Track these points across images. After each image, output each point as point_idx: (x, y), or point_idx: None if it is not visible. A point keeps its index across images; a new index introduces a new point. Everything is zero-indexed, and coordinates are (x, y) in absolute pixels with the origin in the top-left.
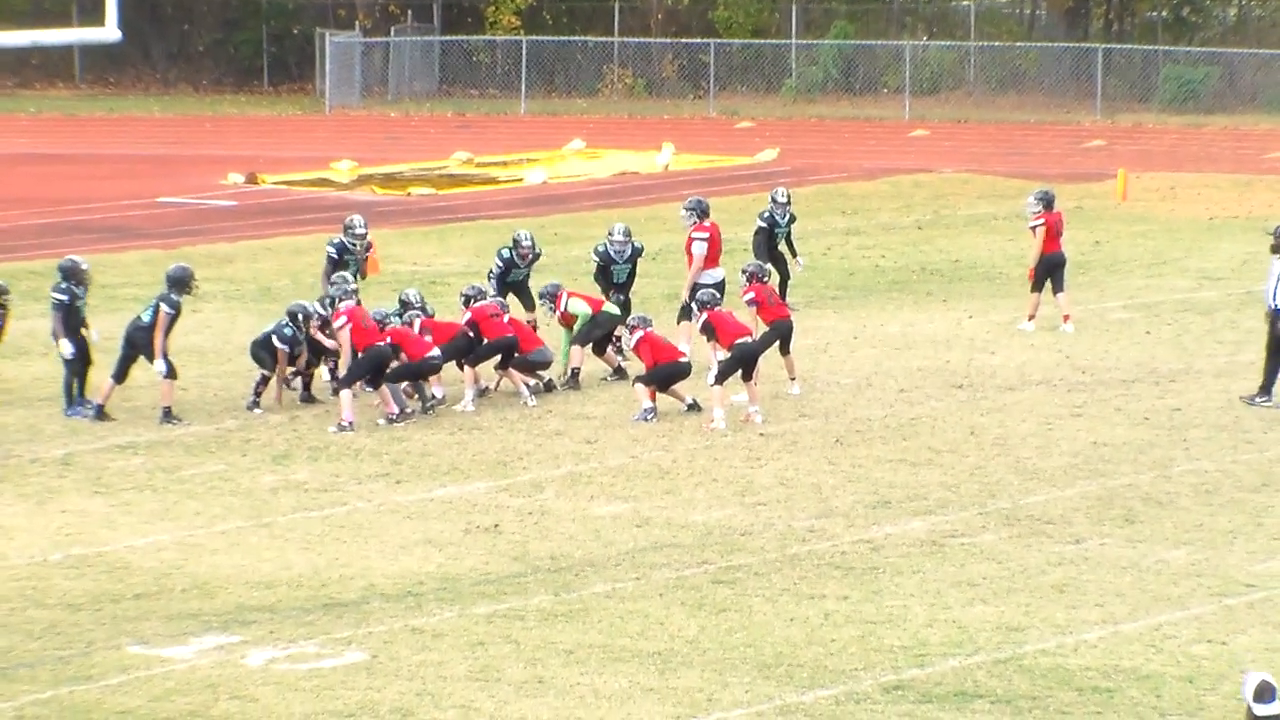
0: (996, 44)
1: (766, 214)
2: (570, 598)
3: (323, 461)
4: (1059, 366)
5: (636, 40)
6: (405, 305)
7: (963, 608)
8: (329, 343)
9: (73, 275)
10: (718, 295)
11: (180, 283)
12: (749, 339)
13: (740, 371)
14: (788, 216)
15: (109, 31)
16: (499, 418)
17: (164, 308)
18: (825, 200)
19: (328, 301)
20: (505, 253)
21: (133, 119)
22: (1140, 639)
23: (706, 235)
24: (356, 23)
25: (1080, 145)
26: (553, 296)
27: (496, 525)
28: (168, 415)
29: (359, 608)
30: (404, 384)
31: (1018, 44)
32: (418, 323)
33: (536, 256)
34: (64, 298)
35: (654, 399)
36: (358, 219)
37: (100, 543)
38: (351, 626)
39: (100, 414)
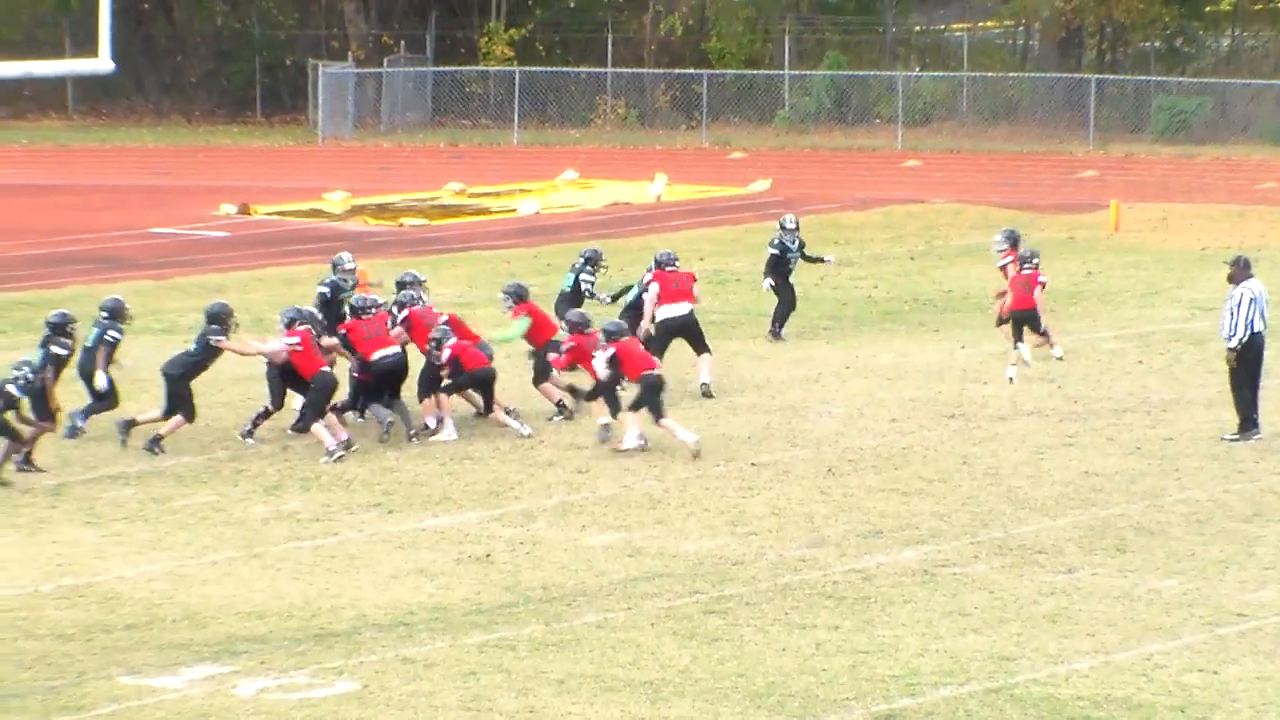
0: (989, 74)
1: (776, 241)
2: (562, 627)
3: (314, 491)
4: (1051, 396)
5: (629, 71)
6: (401, 286)
7: (954, 637)
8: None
9: (119, 314)
10: (624, 326)
11: (218, 317)
12: (655, 371)
13: (649, 410)
14: (797, 242)
15: (102, 63)
16: (491, 448)
17: (211, 339)
18: (818, 231)
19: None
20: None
21: (125, 150)
22: (1132, 668)
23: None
24: (349, 54)
25: (1073, 175)
26: (519, 297)
27: (488, 555)
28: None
29: (350, 638)
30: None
31: (1010, 74)
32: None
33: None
34: (119, 336)
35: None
36: (346, 255)
37: (91, 573)
38: (343, 656)
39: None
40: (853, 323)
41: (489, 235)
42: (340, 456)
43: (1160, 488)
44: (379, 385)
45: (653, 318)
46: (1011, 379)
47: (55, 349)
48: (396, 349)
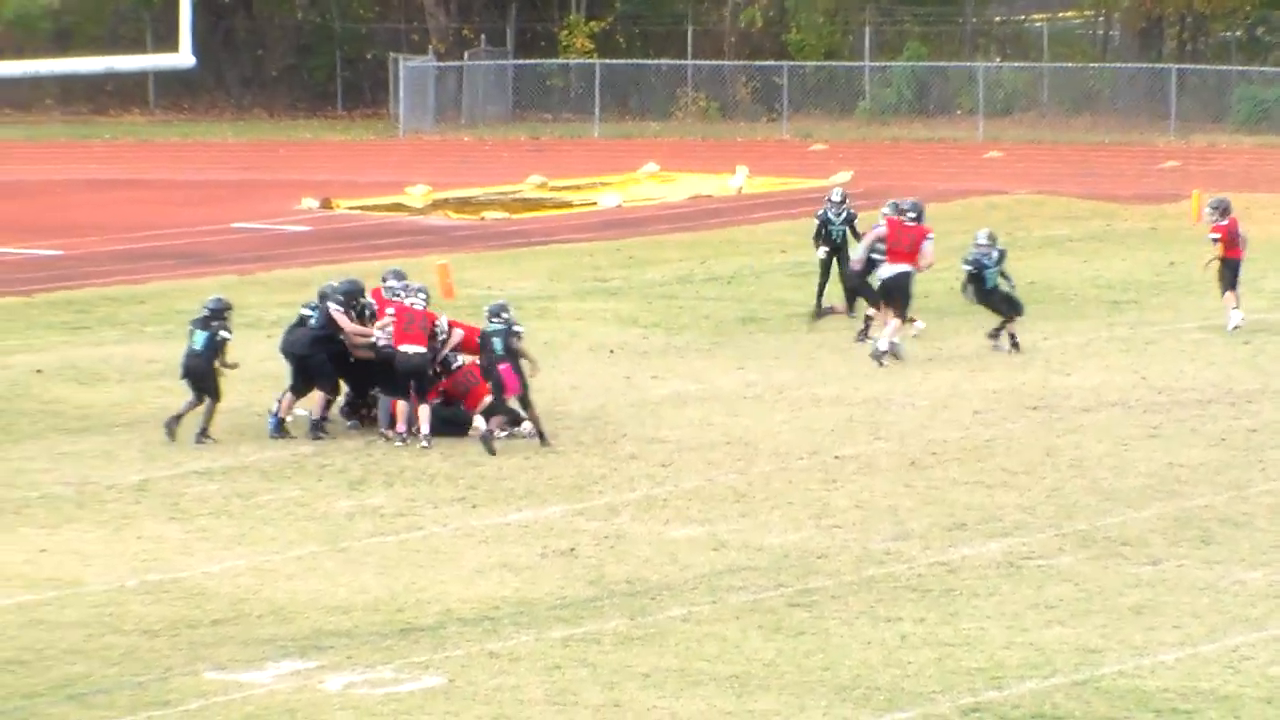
0: (1070, 65)
1: (821, 213)
2: (647, 621)
3: (398, 486)
4: (1135, 388)
5: (710, 63)
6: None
7: (1040, 630)
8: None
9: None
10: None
11: (351, 294)
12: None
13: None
14: (843, 215)
15: (183, 58)
16: (574, 442)
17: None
18: None
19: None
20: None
21: (207, 144)
22: (1218, 660)
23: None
24: (430, 47)
25: (1154, 166)
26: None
27: (572, 549)
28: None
29: (435, 632)
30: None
31: (1091, 65)
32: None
33: None
34: (230, 336)
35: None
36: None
37: (177, 568)
38: (428, 651)
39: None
40: (935, 314)
41: (571, 228)
42: (404, 441)
43: (1245, 479)
44: (394, 378)
45: (865, 259)
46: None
47: (223, 333)
48: (423, 350)
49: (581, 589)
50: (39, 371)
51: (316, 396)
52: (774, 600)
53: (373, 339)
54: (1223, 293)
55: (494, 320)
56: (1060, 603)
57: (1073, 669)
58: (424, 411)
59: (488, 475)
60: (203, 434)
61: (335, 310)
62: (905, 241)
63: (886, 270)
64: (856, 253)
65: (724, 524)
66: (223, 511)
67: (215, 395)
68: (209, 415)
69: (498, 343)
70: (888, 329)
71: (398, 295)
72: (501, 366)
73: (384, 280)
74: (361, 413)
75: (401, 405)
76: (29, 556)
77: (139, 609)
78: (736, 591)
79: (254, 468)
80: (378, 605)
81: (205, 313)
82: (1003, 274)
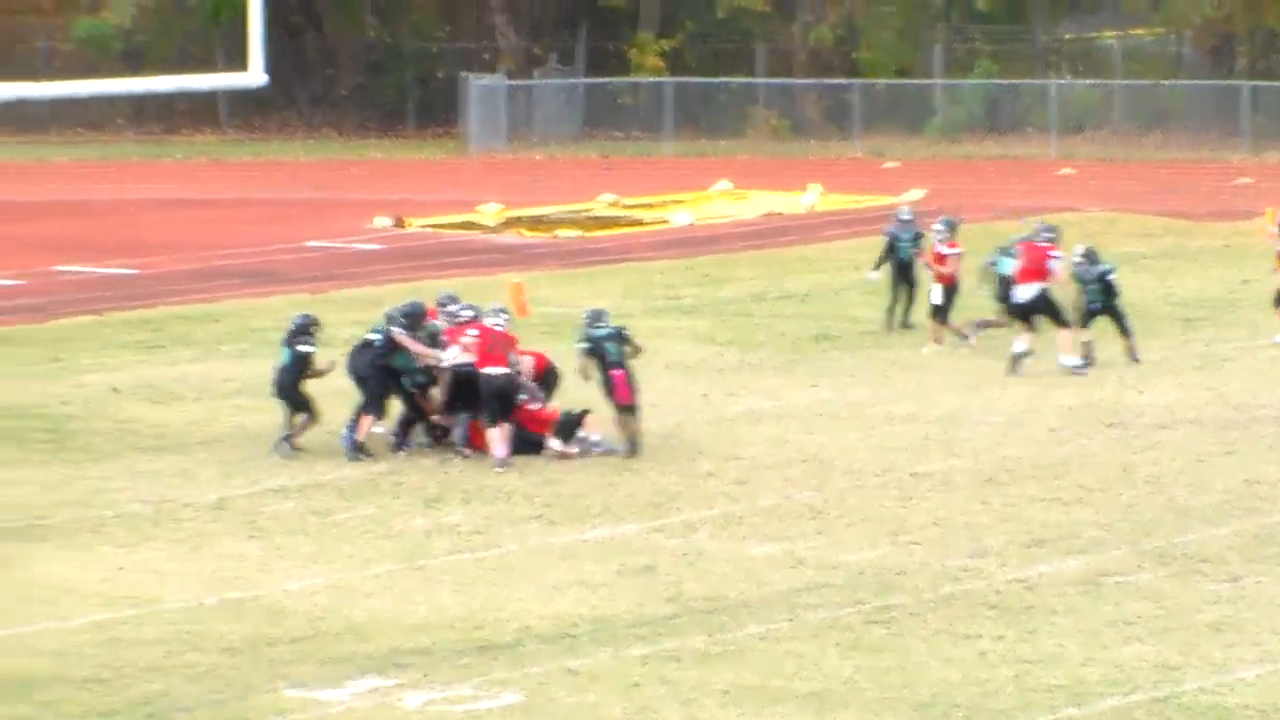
0: (1142, 82)
1: (889, 230)
2: (725, 638)
3: (475, 504)
4: (1210, 404)
5: (781, 81)
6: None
7: (1119, 647)
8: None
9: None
10: None
11: (410, 316)
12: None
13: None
14: (911, 234)
15: (254, 77)
16: (651, 459)
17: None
18: (972, 240)
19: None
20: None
21: (278, 163)
22: None
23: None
24: (501, 66)
25: (1227, 183)
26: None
27: (650, 566)
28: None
29: (514, 650)
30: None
31: (1163, 82)
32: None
33: None
34: (311, 350)
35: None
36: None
37: (255, 586)
38: (507, 668)
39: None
40: (1009, 331)
41: (643, 246)
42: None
43: None
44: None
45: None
46: None
47: (302, 348)
48: (507, 371)
49: (660, 606)
50: (115, 390)
51: (394, 415)
52: (852, 617)
53: (441, 359)
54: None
55: (600, 325)
56: (1139, 620)
57: (1152, 686)
58: (506, 431)
59: (564, 493)
60: (286, 440)
61: (398, 333)
62: (1038, 260)
63: (1024, 292)
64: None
65: (801, 541)
66: (300, 529)
67: (308, 411)
68: (302, 428)
69: (612, 347)
70: (1062, 343)
71: (458, 318)
72: (615, 373)
73: (441, 305)
74: (436, 433)
75: (493, 432)
76: (107, 575)
77: (218, 627)
78: (814, 609)
79: (331, 486)
80: (455, 623)
81: (292, 328)
82: (1106, 287)
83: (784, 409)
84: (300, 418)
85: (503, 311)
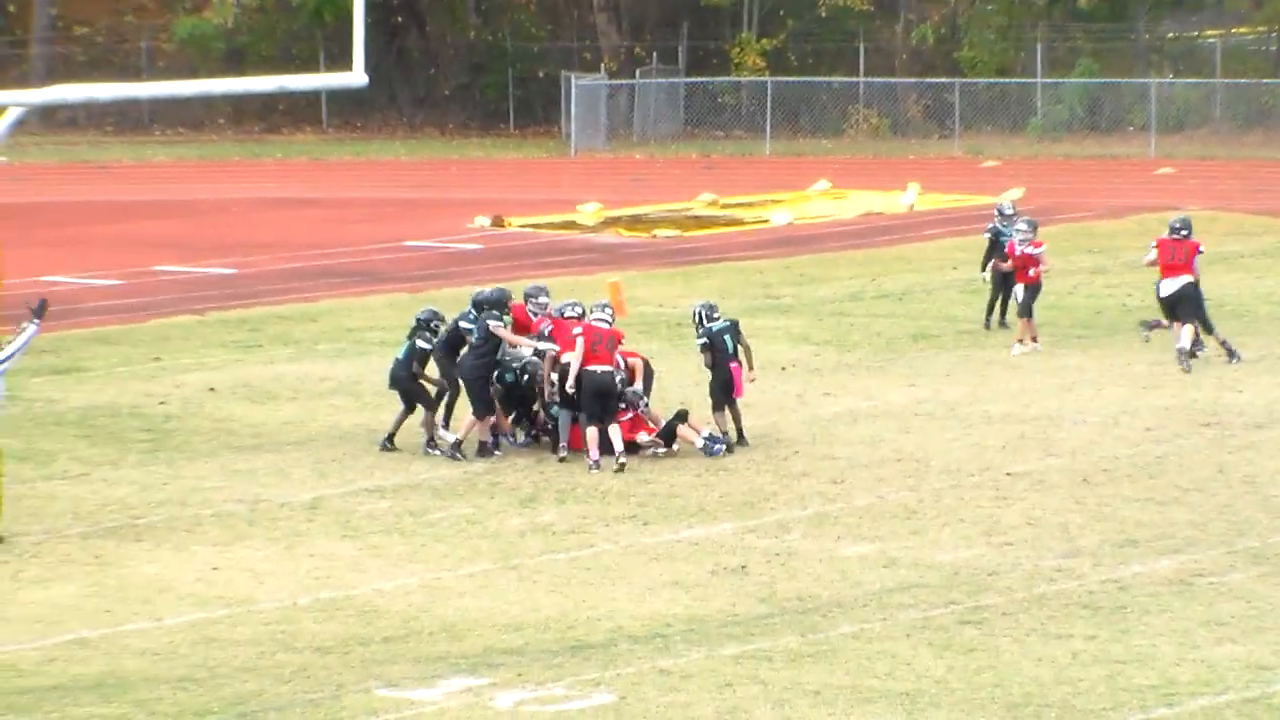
0: (1243, 81)
1: (991, 226)
2: (818, 638)
3: (570, 504)
4: None
5: (881, 80)
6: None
7: (1211, 647)
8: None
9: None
10: None
11: (498, 304)
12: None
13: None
14: (1014, 227)
15: (356, 76)
16: (746, 459)
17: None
18: (1071, 239)
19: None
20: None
21: (379, 163)
22: None
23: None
24: (602, 65)
25: None
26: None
27: (744, 566)
28: (491, 444)
29: (606, 649)
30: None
31: (1264, 80)
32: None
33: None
34: (428, 346)
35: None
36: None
37: (349, 586)
38: (599, 668)
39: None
40: (1106, 331)
41: (742, 246)
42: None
43: None
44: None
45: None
46: None
47: (420, 343)
48: (611, 368)
49: (753, 606)
50: (212, 390)
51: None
52: (945, 618)
53: (534, 350)
54: None
55: (716, 318)
56: (1232, 620)
57: (1244, 686)
58: (614, 431)
59: (659, 492)
60: (430, 444)
61: (495, 325)
62: (1180, 255)
63: (1169, 285)
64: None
65: (895, 541)
66: (394, 529)
67: (426, 403)
68: (429, 425)
69: (730, 340)
70: (1184, 333)
71: (539, 313)
72: (734, 365)
73: (530, 297)
74: (533, 432)
75: (592, 431)
76: (201, 574)
77: (311, 626)
78: (907, 609)
79: (425, 485)
80: (549, 623)
81: (414, 322)
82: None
83: (880, 408)
84: (424, 414)
85: (606, 307)
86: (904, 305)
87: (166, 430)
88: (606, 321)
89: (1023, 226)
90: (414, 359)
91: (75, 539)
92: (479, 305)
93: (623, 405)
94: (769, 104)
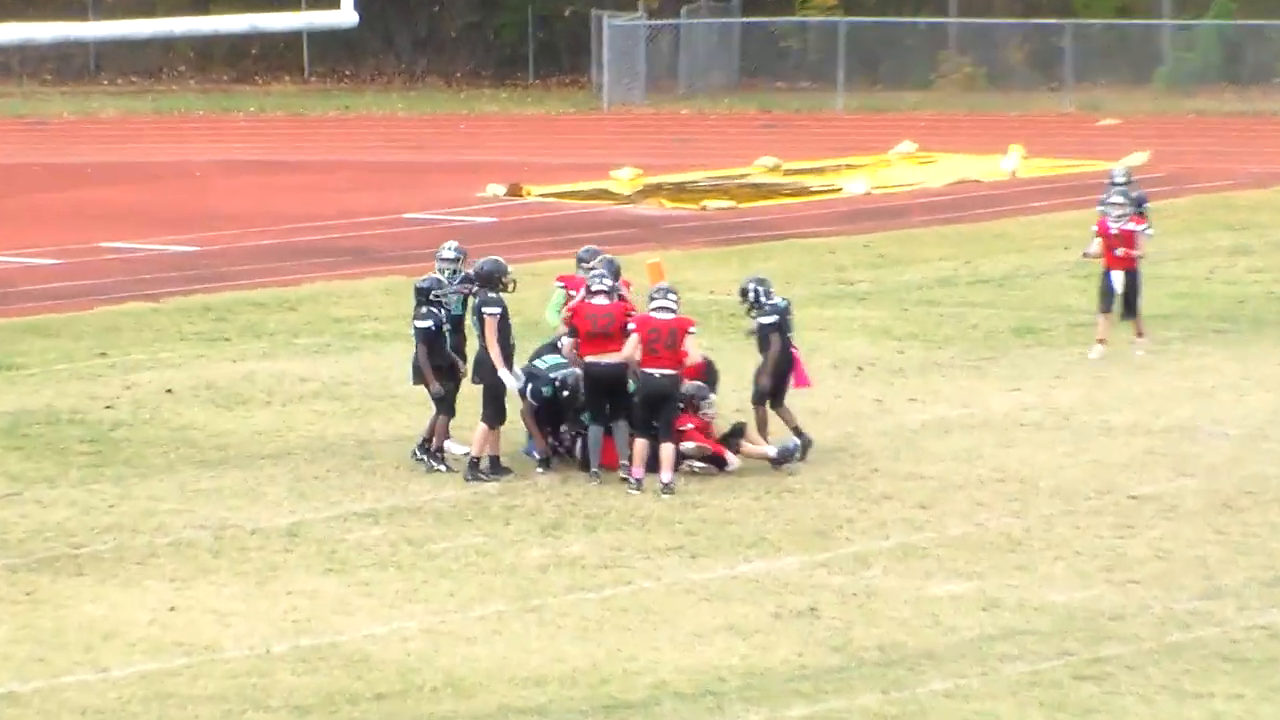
0: None
1: (1104, 198)
2: (903, 696)
3: (601, 531)
4: None
5: (977, 21)
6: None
7: None
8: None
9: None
10: None
11: (492, 279)
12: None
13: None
14: (1133, 195)
15: (345, 15)
16: (815, 478)
17: (485, 311)
18: (1206, 213)
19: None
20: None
21: (371, 119)
22: None
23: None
24: (640, 2)
25: None
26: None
27: (813, 608)
28: (488, 466)
29: (647, 709)
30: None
31: None
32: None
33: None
34: (429, 324)
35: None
36: (451, 245)
37: (334, 631)
38: None
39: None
40: (1251, 324)
41: (809, 220)
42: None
43: None
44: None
45: None
46: None
47: (420, 321)
48: (672, 372)
49: (824, 657)
50: (169, 392)
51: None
52: (1057, 671)
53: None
54: None
55: (775, 296)
56: None
57: None
58: (668, 452)
59: (710, 518)
60: (434, 456)
61: (490, 315)
62: None
63: None
64: None
65: (996, 578)
66: (389, 562)
67: (440, 404)
68: (439, 433)
69: (790, 321)
70: None
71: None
72: (796, 350)
73: (582, 262)
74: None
75: (640, 444)
76: (155, 616)
77: (289, 679)
78: (1011, 661)
79: (427, 509)
80: (577, 676)
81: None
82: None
83: (977, 417)
84: (440, 412)
85: (670, 292)
86: (1005, 292)
87: (114, 440)
88: (670, 309)
89: (1118, 199)
90: (421, 343)
91: (2, 573)
92: (479, 281)
93: (680, 407)
94: (841, 49)
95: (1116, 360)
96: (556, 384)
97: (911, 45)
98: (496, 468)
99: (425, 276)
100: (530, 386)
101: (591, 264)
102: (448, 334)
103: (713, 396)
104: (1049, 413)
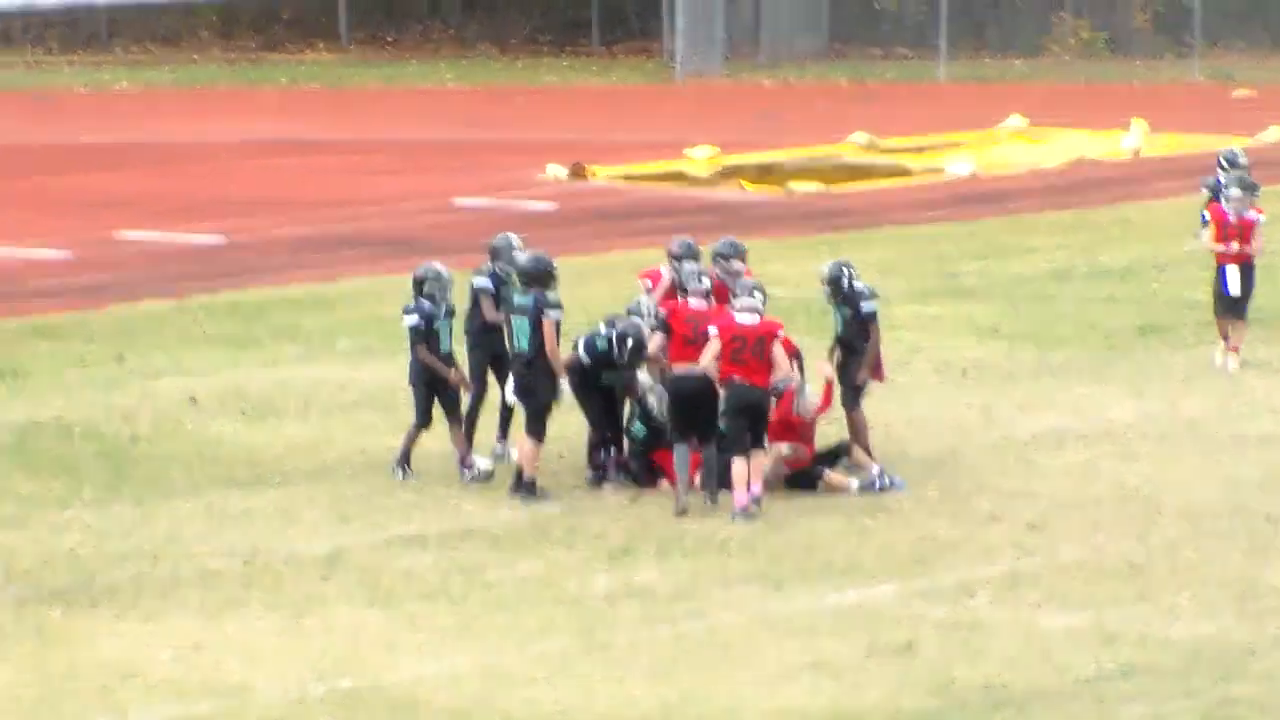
0: None
1: (1211, 180)
2: None
3: (675, 558)
4: None
5: None
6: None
7: None
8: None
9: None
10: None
11: (542, 278)
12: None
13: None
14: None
15: None
16: (913, 497)
17: (547, 315)
18: None
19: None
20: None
21: (417, 92)
22: None
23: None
24: None
25: None
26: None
27: (910, 644)
28: (526, 488)
29: None
30: None
31: None
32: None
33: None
34: (415, 320)
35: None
36: (512, 237)
37: (377, 671)
38: None
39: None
40: None
41: (907, 205)
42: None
43: None
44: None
45: None
46: None
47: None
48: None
49: (922, 699)
50: (193, 401)
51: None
52: (1184, 714)
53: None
54: None
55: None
56: None
57: None
58: (758, 469)
59: (795, 543)
60: (463, 465)
61: (550, 319)
62: None
63: None
64: None
65: (1115, 609)
66: (440, 593)
67: (448, 411)
68: (458, 441)
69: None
70: None
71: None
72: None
73: (721, 258)
74: (622, 460)
75: (739, 467)
76: (179, 654)
77: None
78: (1131, 701)
79: (481, 532)
80: (648, 719)
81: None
82: None
83: (1095, 428)
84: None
85: (756, 289)
86: (1128, 286)
87: (132, 457)
88: (757, 311)
89: (1236, 193)
90: (416, 340)
91: (8, 606)
92: (527, 282)
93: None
94: (943, 12)
95: (1251, 363)
96: (615, 337)
97: (1022, 7)
98: (531, 489)
99: (423, 266)
100: (584, 343)
101: (734, 264)
102: (439, 331)
103: (809, 386)
104: (1175, 423)
